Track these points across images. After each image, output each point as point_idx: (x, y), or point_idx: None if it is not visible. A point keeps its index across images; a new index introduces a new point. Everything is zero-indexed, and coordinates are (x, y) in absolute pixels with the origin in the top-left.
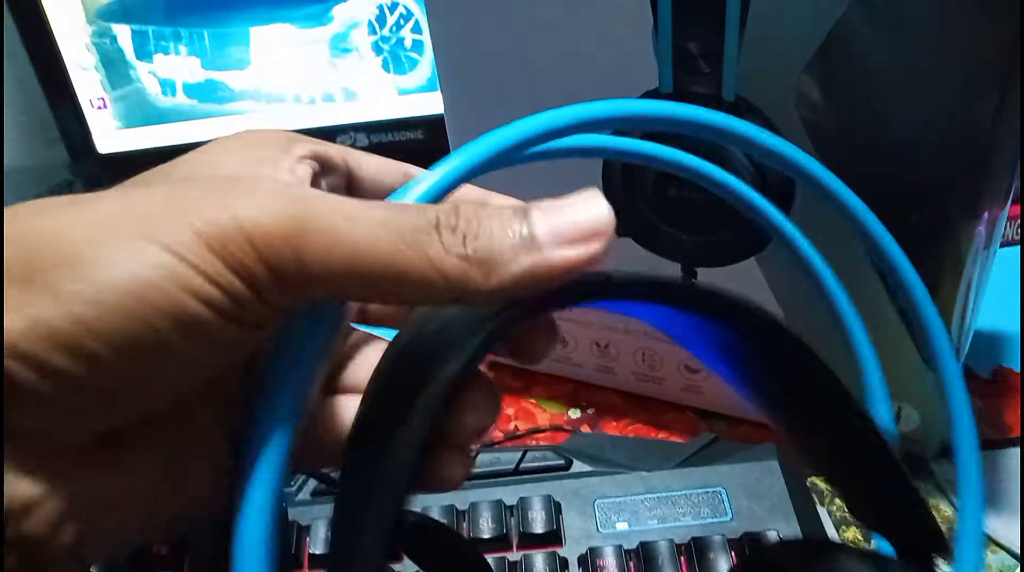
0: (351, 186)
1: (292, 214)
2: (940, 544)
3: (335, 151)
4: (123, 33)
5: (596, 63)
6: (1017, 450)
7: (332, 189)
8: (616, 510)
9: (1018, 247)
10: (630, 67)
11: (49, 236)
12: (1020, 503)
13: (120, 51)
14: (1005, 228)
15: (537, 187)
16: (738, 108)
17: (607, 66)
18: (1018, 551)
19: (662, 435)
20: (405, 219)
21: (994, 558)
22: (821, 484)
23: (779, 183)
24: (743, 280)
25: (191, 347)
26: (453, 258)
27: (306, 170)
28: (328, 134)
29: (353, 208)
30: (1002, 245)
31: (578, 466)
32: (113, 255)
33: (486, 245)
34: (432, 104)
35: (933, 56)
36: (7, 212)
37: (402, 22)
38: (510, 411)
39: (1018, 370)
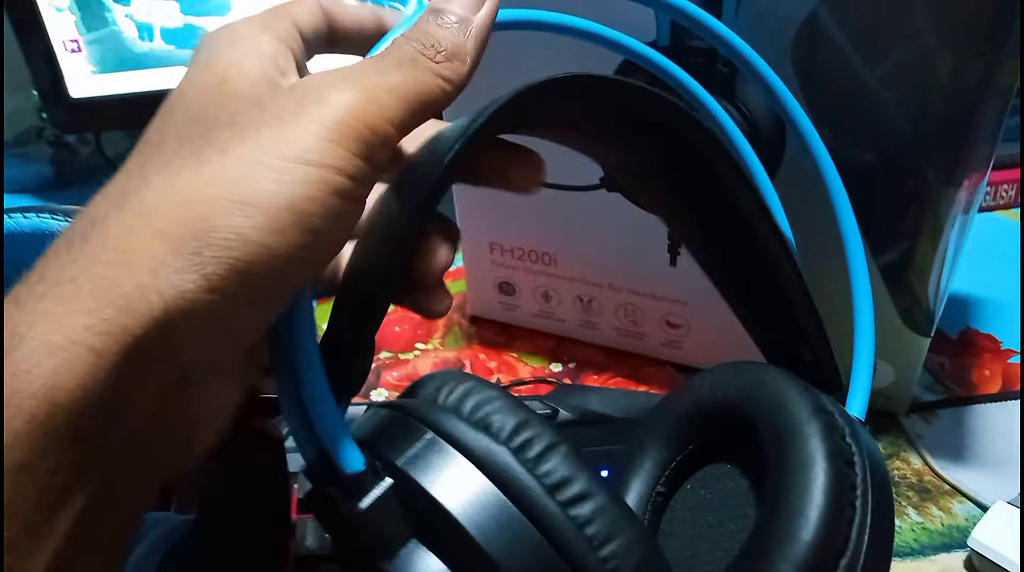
0: (333, 35)
1: (369, 97)
2: (835, 385)
3: (307, 14)
4: None
5: (594, 13)
6: (981, 407)
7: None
8: (599, 458)
9: (989, 213)
10: (629, 19)
11: (195, 200)
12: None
13: None
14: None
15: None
16: (733, 63)
17: (605, 18)
18: (984, 502)
19: (642, 389)
20: (407, 71)
21: (960, 507)
22: None
23: (770, 139)
24: None
25: (337, 233)
26: (443, 66)
27: (289, 57)
28: None
29: (386, 80)
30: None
31: (563, 416)
32: (267, 186)
33: (448, 43)
34: None
35: (921, 19)
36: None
37: None
38: (492, 365)
39: (984, 332)
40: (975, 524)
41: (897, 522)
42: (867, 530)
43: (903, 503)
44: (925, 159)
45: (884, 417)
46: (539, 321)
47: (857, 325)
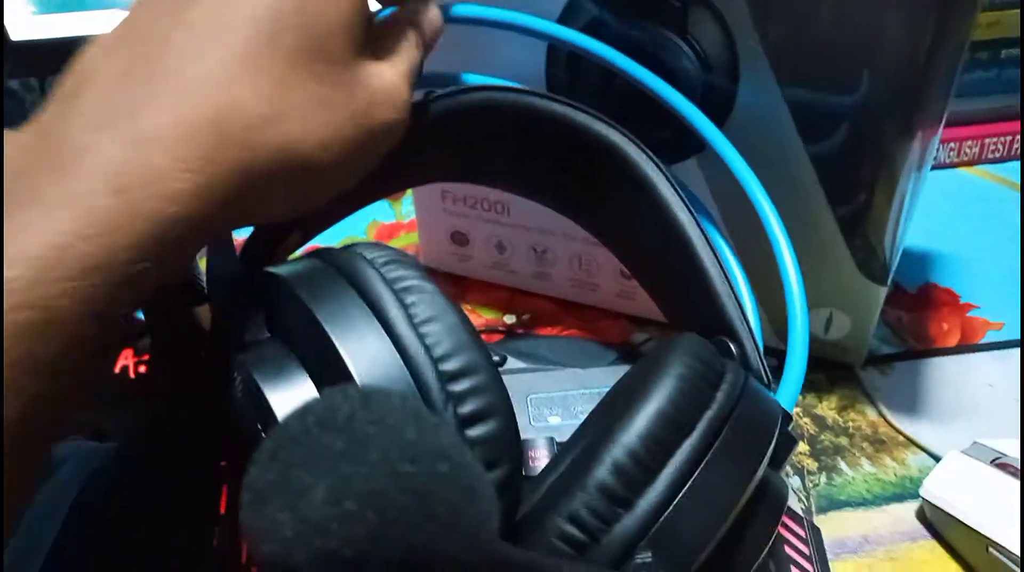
0: None
1: None
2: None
3: None
4: None
5: None
6: (937, 360)
7: None
8: (549, 404)
9: (952, 170)
10: None
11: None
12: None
13: None
14: (937, 151)
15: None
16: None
17: None
18: (937, 453)
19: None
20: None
21: (914, 458)
22: None
23: (723, 77)
24: (683, 179)
25: None
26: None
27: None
28: None
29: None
30: (933, 167)
31: (512, 363)
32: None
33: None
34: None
35: None
36: None
37: None
38: None
39: (944, 286)
40: (928, 475)
41: (851, 473)
42: (723, 428)
43: (857, 454)
44: (880, 113)
45: (840, 369)
46: (493, 273)
47: (791, 317)
